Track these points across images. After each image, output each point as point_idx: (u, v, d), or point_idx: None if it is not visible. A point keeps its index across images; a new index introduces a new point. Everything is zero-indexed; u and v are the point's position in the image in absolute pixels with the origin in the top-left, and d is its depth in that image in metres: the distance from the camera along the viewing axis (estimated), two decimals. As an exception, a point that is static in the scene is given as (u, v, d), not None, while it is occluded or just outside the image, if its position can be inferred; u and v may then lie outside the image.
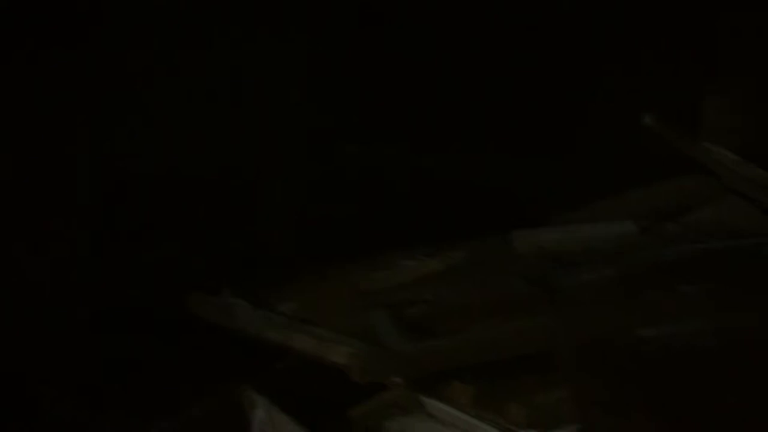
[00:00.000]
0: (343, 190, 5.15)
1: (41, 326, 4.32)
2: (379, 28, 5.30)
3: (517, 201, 4.93)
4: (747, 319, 3.65)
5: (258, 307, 4.10)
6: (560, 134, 5.44)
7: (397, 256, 4.39)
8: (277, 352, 3.93)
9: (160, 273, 4.54)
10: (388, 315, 3.81)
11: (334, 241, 4.75)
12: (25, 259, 4.37)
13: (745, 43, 6.22)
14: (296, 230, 5.00)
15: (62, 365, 4.26)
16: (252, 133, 4.94)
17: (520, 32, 5.50)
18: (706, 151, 4.98)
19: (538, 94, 5.48)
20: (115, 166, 4.59)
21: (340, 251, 4.51)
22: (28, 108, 4.31)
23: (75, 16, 4.34)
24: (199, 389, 4.00)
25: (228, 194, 4.88)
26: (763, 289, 3.82)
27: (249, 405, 3.77)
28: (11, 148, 4.30)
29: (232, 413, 3.82)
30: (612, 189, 4.83)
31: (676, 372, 3.39)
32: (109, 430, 3.98)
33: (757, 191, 4.67)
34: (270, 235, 4.93)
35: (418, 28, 5.35)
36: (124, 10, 4.50)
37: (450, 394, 3.43)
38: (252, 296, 4.18)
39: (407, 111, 5.33)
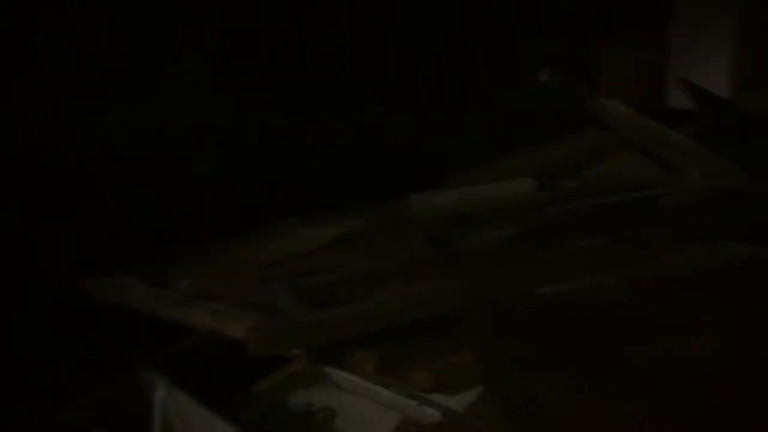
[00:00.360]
0: (239, 160, 5.03)
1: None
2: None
3: (415, 163, 4.88)
4: (646, 271, 3.67)
5: (153, 286, 4.00)
6: (456, 93, 5.41)
7: (295, 224, 4.31)
8: (179, 331, 3.84)
9: (54, 256, 4.42)
10: (287, 285, 3.73)
11: (232, 213, 4.64)
12: None
13: (637, 7, 6.30)
14: (192, 204, 4.87)
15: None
16: (147, 107, 4.82)
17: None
18: (602, 106, 4.99)
19: (433, 53, 5.45)
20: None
21: (237, 223, 4.43)
22: None
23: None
24: (98, 373, 3.90)
25: (122, 172, 4.75)
26: (660, 240, 3.85)
27: (149, 387, 3.68)
28: None
29: (133, 396, 3.72)
30: (509, 147, 4.82)
31: (580, 327, 3.38)
32: (8, 416, 3.86)
33: (651, 144, 4.71)
34: (165, 211, 4.79)
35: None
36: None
37: (353, 363, 3.36)
38: (148, 275, 4.09)
39: (303, 76, 5.25)
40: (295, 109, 5.17)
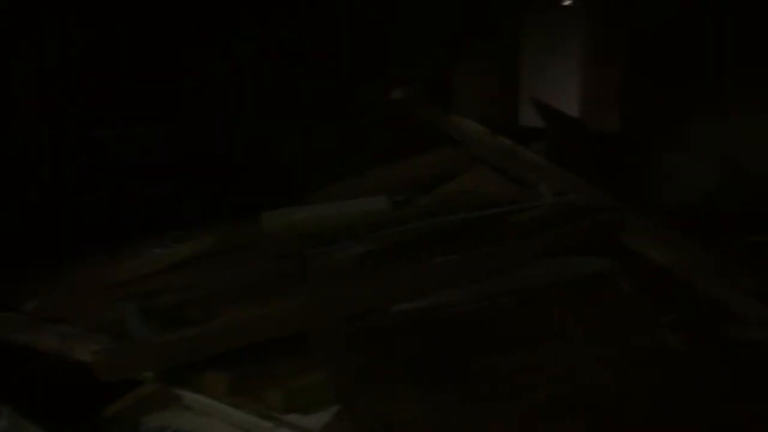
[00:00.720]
0: (87, 179, 4.90)
1: None
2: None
3: (268, 181, 4.84)
4: (499, 285, 3.72)
5: (-1, 308, 3.86)
6: (308, 112, 5.40)
7: (146, 244, 4.22)
8: (27, 355, 3.69)
9: None
10: (138, 306, 3.63)
11: (80, 232, 4.49)
12: None
13: (489, 27, 6.42)
14: (38, 223, 4.71)
15: None
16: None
17: (268, 9, 5.44)
18: (456, 124, 5.05)
19: (286, 71, 5.42)
20: None
21: (86, 242, 4.29)
22: None
23: None
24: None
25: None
26: (513, 255, 3.90)
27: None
28: None
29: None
30: (364, 164, 4.82)
31: (433, 342, 3.40)
32: None
33: (504, 161, 4.78)
34: (8, 231, 4.61)
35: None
36: None
37: (205, 384, 3.29)
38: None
39: (148, 90, 5.16)
40: (142, 123, 5.07)
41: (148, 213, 4.55)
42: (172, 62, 5.23)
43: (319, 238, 3.99)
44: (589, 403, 3.16)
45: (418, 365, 3.29)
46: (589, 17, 7.10)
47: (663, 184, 5.02)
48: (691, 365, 3.39)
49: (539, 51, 7.55)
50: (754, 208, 4.82)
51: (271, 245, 4.05)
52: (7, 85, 4.80)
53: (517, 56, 7.44)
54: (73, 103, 4.99)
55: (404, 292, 3.59)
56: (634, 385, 3.23)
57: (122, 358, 3.27)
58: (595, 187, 4.50)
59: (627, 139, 5.70)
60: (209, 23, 5.35)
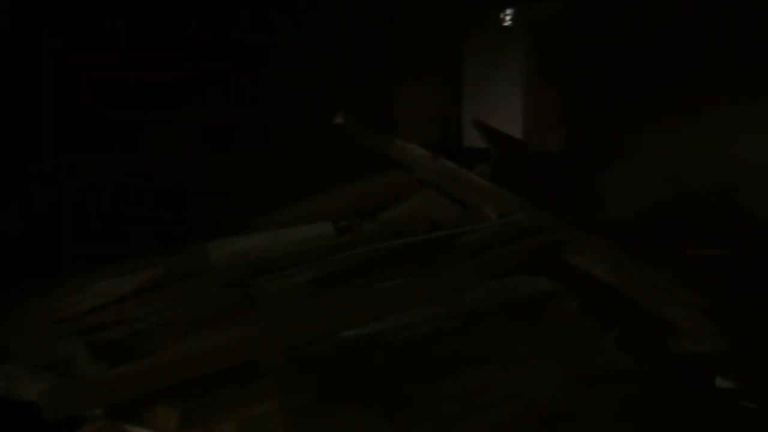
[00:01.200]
0: (26, 211, 4.81)
1: None
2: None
3: (211, 211, 4.80)
4: (447, 308, 3.73)
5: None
6: (250, 138, 5.38)
7: (89, 277, 4.17)
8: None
9: None
10: (83, 342, 3.59)
11: (21, 267, 4.41)
12: None
13: (431, 50, 6.47)
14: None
15: None
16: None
17: (211, 31, 5.43)
18: (399, 148, 5.07)
19: (224, 95, 5.40)
20: None
21: (28, 277, 4.22)
22: None
23: None
24: None
25: None
26: (459, 277, 3.92)
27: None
28: None
29: None
30: (309, 191, 4.81)
31: (381, 368, 3.41)
32: None
33: (448, 184, 4.81)
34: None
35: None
36: None
37: (155, 419, 3.26)
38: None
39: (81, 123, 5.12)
40: (83, 151, 5.03)
41: (91, 244, 4.48)
42: (115, 87, 5.18)
43: (266, 266, 3.99)
44: (538, 423, 3.18)
45: (368, 391, 3.29)
46: (530, 38, 7.18)
47: (605, 201, 5.07)
48: (639, 381, 3.42)
49: (481, 72, 7.61)
50: (695, 222, 4.89)
51: (217, 275, 4.04)
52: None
53: (460, 78, 7.49)
54: (10, 134, 4.91)
55: (352, 318, 3.59)
56: (582, 404, 3.25)
57: (69, 396, 3.23)
58: (539, 207, 4.53)
59: (569, 158, 5.76)
60: (156, 50, 5.31)
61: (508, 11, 7.32)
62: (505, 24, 7.56)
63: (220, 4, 5.50)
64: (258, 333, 3.46)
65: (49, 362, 3.52)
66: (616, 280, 3.97)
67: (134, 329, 3.69)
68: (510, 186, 4.86)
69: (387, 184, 4.91)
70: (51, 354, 3.60)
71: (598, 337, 3.61)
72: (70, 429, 3.34)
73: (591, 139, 5.70)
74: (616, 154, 5.37)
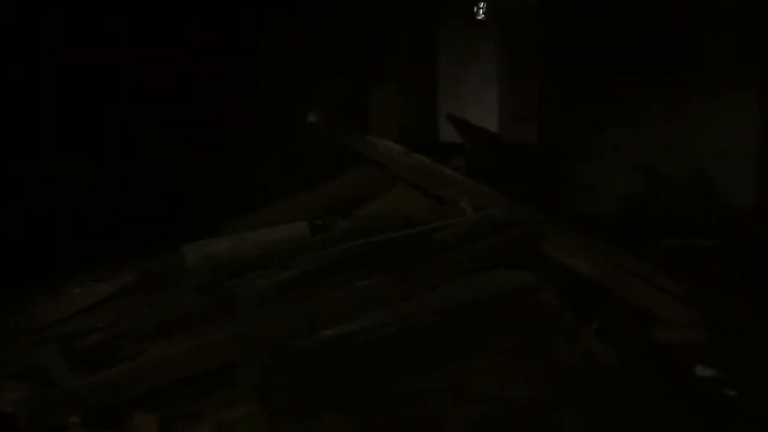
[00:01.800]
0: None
1: None
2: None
3: (185, 213, 4.77)
4: (424, 304, 3.72)
5: None
6: (226, 138, 5.35)
7: (63, 284, 4.12)
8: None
9: None
10: (59, 349, 3.55)
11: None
12: None
13: (405, 45, 6.47)
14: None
15: None
16: None
17: (186, 37, 5.39)
18: (372, 144, 5.04)
19: (201, 96, 5.37)
20: None
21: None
22: None
23: None
24: None
25: None
26: (436, 273, 3.91)
27: None
28: None
29: None
30: (283, 190, 4.79)
31: (360, 366, 3.38)
32: None
33: (422, 179, 4.78)
34: None
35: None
36: None
37: (134, 425, 3.23)
38: None
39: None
40: (56, 158, 4.99)
41: (66, 250, 4.44)
42: (88, 92, 5.15)
43: (241, 267, 3.96)
44: (520, 419, 3.17)
45: (348, 390, 3.27)
46: (503, 31, 7.18)
47: (582, 193, 5.08)
48: (620, 373, 3.41)
49: (456, 66, 7.61)
50: (673, 213, 4.91)
51: (192, 277, 4.01)
52: None
53: (435, 72, 7.49)
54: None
55: (329, 317, 3.57)
56: (563, 397, 3.24)
57: (46, 405, 3.20)
58: (516, 200, 4.52)
59: (544, 150, 5.77)
60: (131, 52, 5.28)
61: (482, 5, 7.33)
62: (479, 18, 7.57)
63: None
64: (235, 334, 3.44)
65: (24, 371, 3.49)
66: (596, 271, 3.97)
67: (111, 334, 3.65)
68: (485, 179, 4.85)
69: (361, 181, 4.88)
70: (26, 363, 3.56)
71: (577, 330, 3.60)
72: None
73: (566, 132, 5.72)
74: (591, 146, 5.39)
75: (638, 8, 5.38)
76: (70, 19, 5.06)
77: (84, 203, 4.86)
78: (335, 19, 5.90)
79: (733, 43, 5.12)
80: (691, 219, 4.82)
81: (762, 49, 5.11)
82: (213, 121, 5.36)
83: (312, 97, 5.57)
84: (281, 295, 3.73)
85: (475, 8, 7.49)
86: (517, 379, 3.33)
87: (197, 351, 3.37)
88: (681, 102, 5.24)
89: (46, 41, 5.04)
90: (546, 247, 4.11)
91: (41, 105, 5.06)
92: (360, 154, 4.96)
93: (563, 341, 3.53)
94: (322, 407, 3.19)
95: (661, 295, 3.84)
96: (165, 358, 3.36)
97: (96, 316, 3.90)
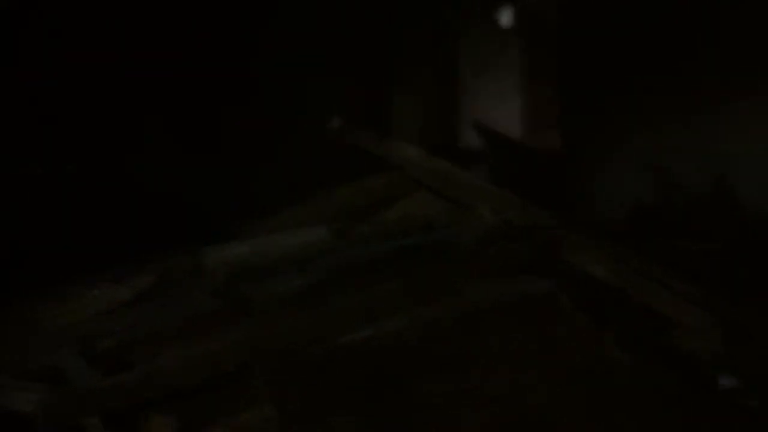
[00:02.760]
0: (17, 219, 4.80)
1: None
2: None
3: (204, 216, 4.79)
4: (443, 309, 3.71)
5: None
6: (246, 142, 5.36)
7: (82, 286, 4.14)
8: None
9: None
10: (77, 351, 3.57)
11: (12, 275, 4.38)
12: None
13: (421, 51, 6.46)
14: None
15: None
16: None
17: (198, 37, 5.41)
18: (393, 148, 5.04)
19: (220, 99, 5.39)
20: None
21: (20, 286, 4.19)
22: None
23: None
24: None
25: None
26: (456, 278, 3.91)
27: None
28: None
29: None
30: (303, 194, 4.79)
31: (377, 371, 3.38)
32: None
33: (443, 184, 4.78)
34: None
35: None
36: None
37: (151, 428, 3.25)
38: None
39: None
40: (73, 160, 5.01)
41: (83, 252, 4.46)
42: (101, 95, 5.17)
43: (259, 271, 3.97)
44: (537, 424, 3.16)
45: (362, 395, 3.27)
46: (525, 37, 7.16)
47: (600, 198, 5.07)
48: (637, 379, 3.40)
49: (477, 72, 7.59)
50: (688, 216, 4.88)
51: (211, 281, 4.03)
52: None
53: (456, 78, 7.47)
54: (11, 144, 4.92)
55: (346, 323, 3.57)
56: (579, 403, 3.23)
57: (64, 406, 3.22)
58: (534, 206, 4.51)
59: (564, 156, 5.75)
60: (142, 55, 5.30)
61: (503, 11, 7.31)
62: (500, 23, 7.55)
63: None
64: (252, 338, 3.45)
65: (42, 372, 3.50)
66: (613, 276, 3.95)
67: (128, 337, 3.67)
68: (505, 185, 4.84)
69: (381, 186, 4.88)
70: (44, 364, 3.58)
71: (595, 335, 3.58)
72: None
73: (585, 138, 5.70)
74: (609, 152, 5.37)
75: (657, 14, 5.36)
76: (68, 18, 5.08)
77: (102, 205, 4.88)
78: (357, 20, 5.90)
79: (749, 47, 5.10)
80: (707, 222, 4.79)
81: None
82: (229, 122, 5.38)
83: (333, 102, 5.58)
84: (299, 299, 3.74)
85: (497, 16, 7.46)
86: (534, 384, 3.32)
87: (214, 354, 3.39)
88: (697, 106, 5.22)
89: (45, 40, 5.06)
90: (563, 252, 4.10)
91: (44, 105, 5.08)
92: (380, 158, 4.96)
93: (580, 346, 3.52)
94: (338, 412, 3.19)
95: (678, 299, 3.82)
96: (182, 361, 3.38)
97: (113, 318, 3.91)
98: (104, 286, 4.10)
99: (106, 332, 3.73)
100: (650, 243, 4.40)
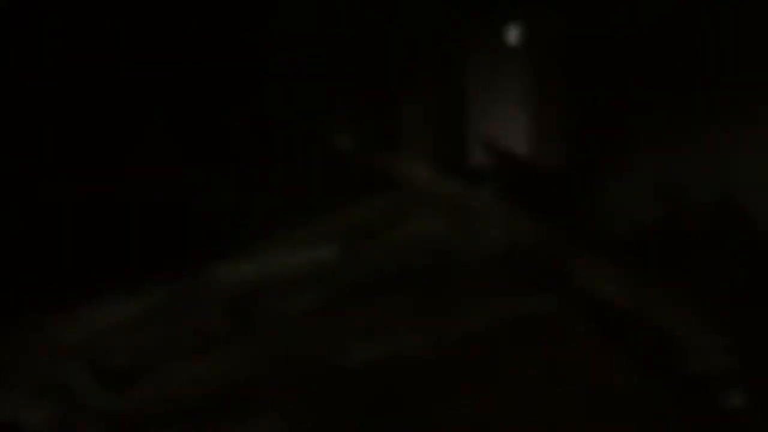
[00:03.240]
0: (29, 233, 4.81)
1: None
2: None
3: (213, 233, 4.79)
4: (449, 329, 3.71)
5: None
6: (254, 159, 5.37)
7: (91, 302, 4.14)
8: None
9: None
10: (85, 368, 3.58)
11: (23, 290, 4.38)
12: None
13: (430, 69, 6.47)
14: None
15: None
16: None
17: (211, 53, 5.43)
18: (402, 168, 5.06)
19: (231, 115, 5.41)
20: None
21: (30, 301, 4.19)
22: None
23: None
24: None
25: None
26: (463, 297, 3.90)
27: None
28: None
29: None
30: (312, 212, 4.80)
31: (385, 389, 3.39)
32: None
33: (452, 204, 4.79)
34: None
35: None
36: None
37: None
38: None
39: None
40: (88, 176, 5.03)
41: (93, 268, 4.46)
42: (117, 110, 5.19)
43: (268, 289, 3.98)
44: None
45: (370, 415, 3.27)
46: (532, 54, 7.17)
47: (609, 217, 5.05)
48: (645, 399, 3.39)
49: (485, 89, 7.60)
50: (699, 237, 4.86)
51: (220, 298, 4.03)
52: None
53: (464, 96, 7.48)
54: (19, 160, 4.93)
55: (355, 340, 3.58)
56: (587, 423, 3.22)
57: (74, 424, 3.23)
58: (543, 225, 4.51)
59: (573, 175, 5.74)
60: (154, 72, 5.32)
61: (511, 28, 7.31)
62: (508, 41, 7.55)
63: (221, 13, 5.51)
64: (261, 355, 3.46)
65: (50, 389, 3.51)
66: (623, 297, 3.94)
67: (137, 353, 3.68)
68: (515, 204, 4.84)
69: (390, 204, 4.89)
70: (53, 380, 3.58)
71: (602, 354, 3.57)
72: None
73: (593, 156, 5.69)
74: (619, 170, 5.36)
75: (668, 33, 5.36)
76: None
77: (111, 221, 4.88)
78: (366, 39, 5.92)
79: (762, 68, 5.10)
80: (718, 243, 4.78)
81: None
82: (239, 139, 5.39)
83: (342, 120, 5.59)
84: (307, 317, 3.75)
85: (504, 31, 7.46)
86: (544, 404, 3.32)
87: (223, 371, 3.40)
88: (708, 125, 5.21)
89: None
90: (572, 271, 4.09)
91: (51, 115, 5.10)
92: (389, 176, 4.97)
93: (588, 365, 3.51)
94: (346, 428, 3.20)
95: (689, 318, 3.81)
96: (191, 377, 3.39)
97: (122, 334, 3.91)
98: (113, 303, 4.10)
99: (115, 348, 3.74)
100: (660, 261, 4.38)
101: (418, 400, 3.33)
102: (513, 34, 7.22)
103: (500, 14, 6.25)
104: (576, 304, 3.85)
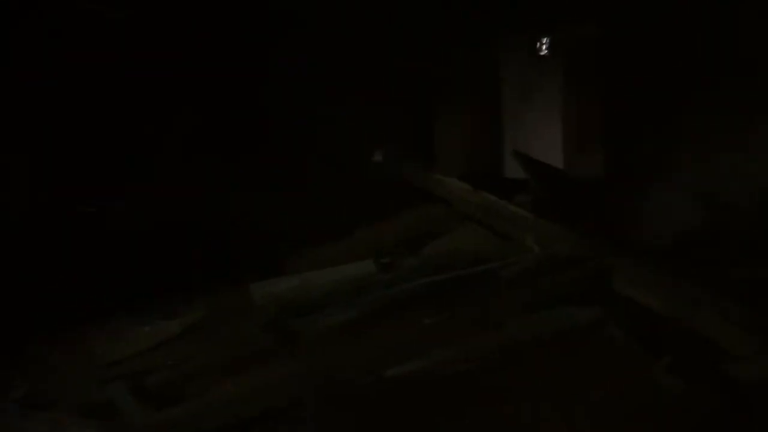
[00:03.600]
0: (69, 255, 4.85)
1: None
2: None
3: (253, 251, 4.81)
4: (488, 342, 3.69)
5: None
6: (291, 175, 5.39)
7: (132, 321, 4.18)
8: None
9: None
10: (128, 386, 3.60)
11: (65, 312, 4.41)
12: None
13: (464, 81, 6.48)
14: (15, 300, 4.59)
15: None
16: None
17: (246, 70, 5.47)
18: (438, 182, 5.06)
19: (266, 132, 5.44)
20: None
21: (72, 322, 4.23)
22: None
23: None
24: None
25: None
26: (501, 310, 3.89)
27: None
28: None
29: None
30: (349, 227, 4.81)
31: (424, 404, 3.37)
32: None
33: (488, 216, 4.78)
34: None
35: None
36: None
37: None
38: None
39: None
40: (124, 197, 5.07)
41: (135, 286, 4.49)
42: (149, 131, 5.24)
43: (307, 306, 3.99)
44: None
45: (413, 427, 3.26)
46: (566, 63, 7.15)
47: (649, 224, 5.02)
48: (689, 408, 3.35)
49: (519, 100, 7.58)
50: (741, 242, 4.81)
51: (259, 316, 4.05)
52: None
53: (498, 107, 7.47)
54: (55, 181, 4.97)
55: (394, 356, 3.57)
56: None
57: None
58: (581, 235, 4.49)
59: (609, 183, 5.71)
60: (185, 92, 5.36)
61: (544, 38, 7.30)
62: (541, 51, 7.54)
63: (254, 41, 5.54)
64: (301, 372, 3.46)
65: (92, 408, 3.54)
66: (665, 305, 3.91)
67: (178, 372, 3.71)
68: (551, 215, 4.82)
69: (427, 219, 4.90)
70: (96, 399, 3.62)
71: (647, 365, 3.54)
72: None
73: (631, 163, 5.65)
74: (657, 176, 5.32)
75: (702, 37, 5.32)
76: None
77: (151, 241, 4.92)
78: (400, 54, 5.94)
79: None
80: (758, 250, 4.72)
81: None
82: (276, 156, 5.42)
83: (378, 133, 5.61)
84: (347, 333, 3.75)
85: (538, 41, 7.44)
86: (585, 415, 3.29)
87: (263, 388, 3.40)
88: (747, 128, 5.16)
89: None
90: (613, 281, 4.06)
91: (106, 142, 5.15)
92: (426, 191, 4.98)
93: (632, 377, 3.48)
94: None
95: (732, 327, 3.76)
96: (232, 395, 3.40)
97: (164, 353, 3.94)
98: (155, 322, 4.13)
99: (157, 367, 3.76)
100: (700, 270, 4.33)
101: (459, 413, 3.31)
102: (546, 44, 7.21)
103: (533, 25, 6.24)
104: (618, 313, 3.82)
